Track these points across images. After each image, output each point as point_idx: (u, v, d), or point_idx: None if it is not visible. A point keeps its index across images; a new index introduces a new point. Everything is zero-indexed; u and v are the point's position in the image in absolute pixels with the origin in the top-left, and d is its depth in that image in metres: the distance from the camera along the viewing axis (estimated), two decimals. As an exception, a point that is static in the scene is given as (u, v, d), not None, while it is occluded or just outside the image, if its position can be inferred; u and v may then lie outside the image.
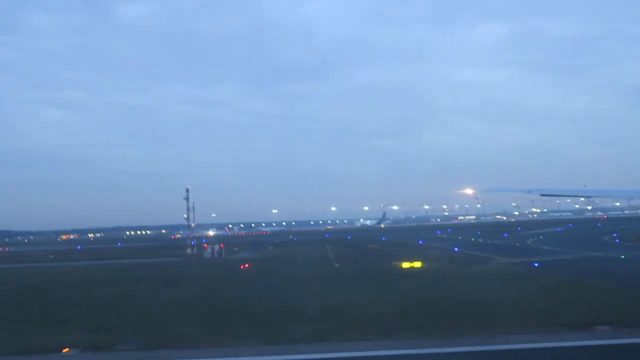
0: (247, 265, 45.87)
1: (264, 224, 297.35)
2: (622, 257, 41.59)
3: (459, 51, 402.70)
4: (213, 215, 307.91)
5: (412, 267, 40.75)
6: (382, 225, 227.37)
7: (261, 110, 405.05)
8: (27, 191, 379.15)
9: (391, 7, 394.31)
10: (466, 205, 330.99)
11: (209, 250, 59.67)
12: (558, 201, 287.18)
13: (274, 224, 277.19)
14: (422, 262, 42.47)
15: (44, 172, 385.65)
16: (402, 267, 40.12)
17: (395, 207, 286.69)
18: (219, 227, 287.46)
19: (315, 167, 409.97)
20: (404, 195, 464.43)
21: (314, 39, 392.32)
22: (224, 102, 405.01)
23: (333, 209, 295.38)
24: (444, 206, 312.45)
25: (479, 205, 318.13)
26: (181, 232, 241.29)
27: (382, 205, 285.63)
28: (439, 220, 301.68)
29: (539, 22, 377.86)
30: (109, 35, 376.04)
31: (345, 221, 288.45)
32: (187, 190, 61.03)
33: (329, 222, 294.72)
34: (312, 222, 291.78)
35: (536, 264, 36.96)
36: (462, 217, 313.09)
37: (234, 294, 26.40)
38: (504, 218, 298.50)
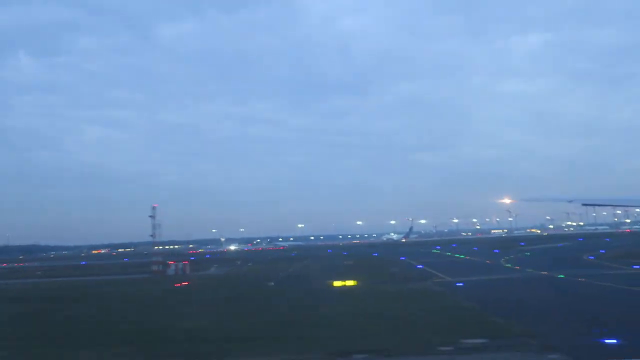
0: (185, 283, 47.03)
1: (291, 239, 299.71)
2: (561, 276, 40.69)
3: (497, 62, 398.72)
4: (241, 230, 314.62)
5: (343, 286, 41.24)
6: (404, 240, 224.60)
7: (299, 126, 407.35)
8: (79, 207, 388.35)
9: (426, 21, 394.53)
10: (497, 219, 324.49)
11: (172, 267, 60.90)
12: (594, 214, 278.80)
13: (291, 239, 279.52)
14: (359, 280, 43.16)
15: (90, 188, 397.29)
16: (333, 286, 40.65)
17: (423, 221, 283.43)
18: (247, 241, 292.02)
19: (351, 182, 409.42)
20: (439, 208, 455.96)
21: (352, 55, 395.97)
22: (264, 119, 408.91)
23: (359, 222, 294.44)
24: (474, 219, 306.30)
25: (510, 219, 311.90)
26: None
27: (410, 219, 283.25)
28: (469, 234, 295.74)
29: (578, 32, 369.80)
30: (151, 55, 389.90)
31: (375, 235, 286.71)
32: (154, 208, 62.41)
33: (357, 236, 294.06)
34: (340, 237, 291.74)
35: (460, 284, 37.53)
36: (494, 231, 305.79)
37: (102, 313, 27.81)
38: (538, 231, 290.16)
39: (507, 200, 35.12)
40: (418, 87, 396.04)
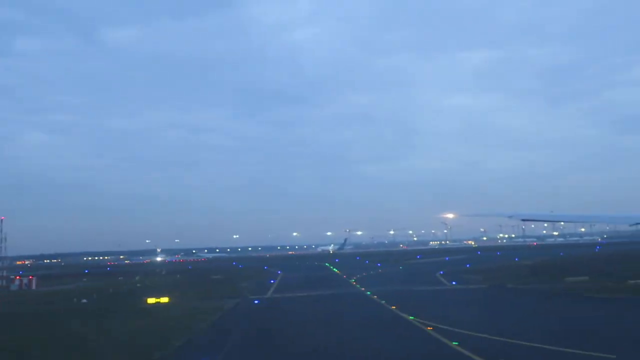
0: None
1: (229, 249, 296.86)
2: (368, 293, 41.79)
3: (444, 78, 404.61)
4: (177, 240, 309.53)
5: (157, 303, 41.14)
6: (331, 251, 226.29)
7: (248, 135, 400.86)
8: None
9: (376, 34, 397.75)
10: (433, 231, 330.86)
11: (17, 282, 59.30)
12: (523, 227, 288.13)
13: (228, 249, 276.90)
14: (180, 295, 43.48)
15: (30, 195, 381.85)
16: (146, 303, 40.55)
17: (359, 233, 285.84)
18: (185, 252, 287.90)
19: (297, 192, 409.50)
20: (384, 220, 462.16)
21: (302, 66, 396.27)
22: (213, 127, 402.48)
23: (295, 234, 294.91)
24: (410, 231, 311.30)
25: (445, 231, 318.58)
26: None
27: (347, 230, 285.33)
28: (404, 246, 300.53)
29: (522, 50, 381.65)
30: (96, 59, 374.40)
31: (314, 246, 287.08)
32: (1, 221, 60.74)
33: (296, 247, 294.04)
34: (279, 247, 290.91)
35: (256, 301, 39.28)
36: (432, 242, 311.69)
37: None
38: (472, 243, 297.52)
39: (450, 215, 35.56)
40: (367, 99, 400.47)
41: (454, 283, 48.99)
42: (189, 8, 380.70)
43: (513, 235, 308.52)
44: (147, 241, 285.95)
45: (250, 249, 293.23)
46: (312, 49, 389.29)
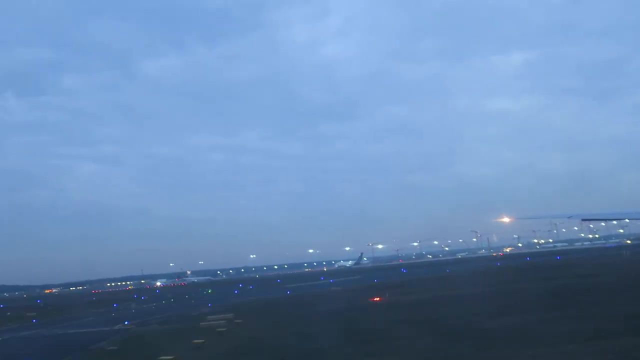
0: None
1: (253, 269, 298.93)
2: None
3: (481, 82, 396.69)
4: (201, 262, 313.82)
5: None
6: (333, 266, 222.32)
7: (287, 153, 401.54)
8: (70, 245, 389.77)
9: (409, 44, 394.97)
10: (460, 240, 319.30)
11: None
12: (555, 231, 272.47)
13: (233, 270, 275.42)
14: None
15: (83, 226, 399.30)
16: None
17: (380, 246, 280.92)
18: (205, 273, 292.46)
19: (338, 207, 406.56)
20: (434, 230, 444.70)
21: (336, 80, 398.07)
22: (253, 148, 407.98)
23: (310, 251, 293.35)
24: (435, 242, 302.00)
25: (474, 239, 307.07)
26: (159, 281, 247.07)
27: (369, 244, 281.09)
28: (430, 256, 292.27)
29: (559, 48, 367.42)
30: (136, 90, 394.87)
31: (333, 262, 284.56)
32: None
33: (314, 263, 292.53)
34: (285, 266, 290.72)
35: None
36: (460, 255, 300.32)
37: None
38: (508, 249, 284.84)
39: (505, 219, 34.74)
40: (405, 110, 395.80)
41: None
42: (220, 33, 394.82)
43: (551, 240, 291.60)
44: (171, 264, 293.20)
45: (265, 268, 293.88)
46: (345, 63, 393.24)
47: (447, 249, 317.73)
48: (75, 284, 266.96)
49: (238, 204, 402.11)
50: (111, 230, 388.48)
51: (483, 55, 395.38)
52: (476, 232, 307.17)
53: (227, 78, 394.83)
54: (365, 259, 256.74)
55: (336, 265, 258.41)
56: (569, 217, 22.52)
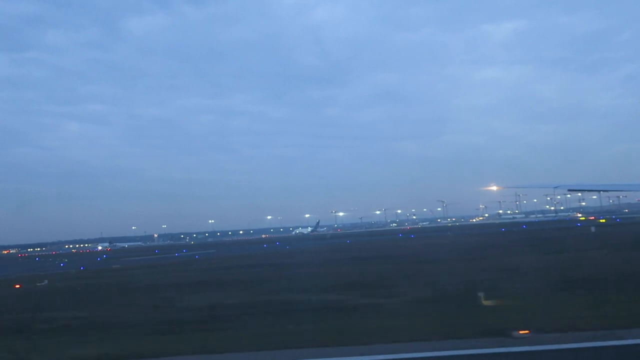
0: None
1: (218, 233, 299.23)
2: None
3: (472, 51, 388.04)
4: (164, 225, 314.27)
5: None
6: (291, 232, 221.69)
7: (276, 117, 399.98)
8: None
9: (400, 9, 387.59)
10: (424, 209, 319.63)
11: None
12: (525, 202, 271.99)
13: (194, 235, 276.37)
14: None
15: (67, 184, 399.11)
16: None
17: (341, 214, 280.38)
18: (172, 237, 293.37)
19: (326, 173, 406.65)
20: (414, 197, 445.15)
21: (325, 45, 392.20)
22: (242, 111, 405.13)
23: (269, 217, 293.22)
24: (399, 210, 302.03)
25: (439, 209, 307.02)
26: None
27: (333, 211, 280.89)
28: (394, 224, 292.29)
29: (551, 18, 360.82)
30: (121, 49, 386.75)
31: (291, 228, 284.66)
32: None
33: (271, 230, 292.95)
34: (251, 231, 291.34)
35: None
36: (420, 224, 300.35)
37: None
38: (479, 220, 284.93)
39: (493, 188, 33.52)
40: (395, 77, 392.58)
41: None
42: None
43: (511, 212, 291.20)
44: (133, 227, 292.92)
45: (230, 233, 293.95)
46: (335, 28, 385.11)
47: (414, 217, 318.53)
48: (34, 245, 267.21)
49: (224, 167, 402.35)
50: (92, 191, 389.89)
51: (474, 24, 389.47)
52: (443, 201, 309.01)
53: (215, 40, 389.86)
54: (323, 227, 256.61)
55: (294, 232, 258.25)
56: (555, 187, 22.61)
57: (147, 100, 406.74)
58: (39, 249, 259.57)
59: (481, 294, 18.41)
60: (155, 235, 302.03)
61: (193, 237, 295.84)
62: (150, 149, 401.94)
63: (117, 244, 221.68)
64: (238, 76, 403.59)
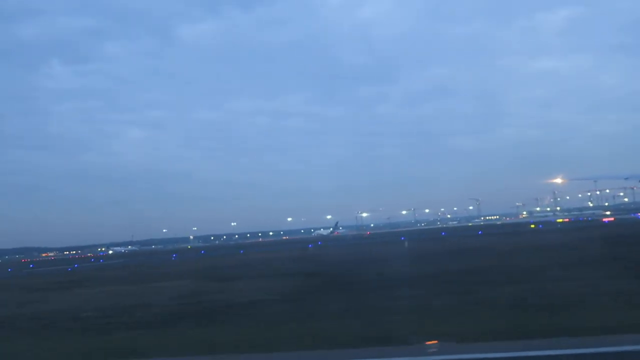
0: None
1: (236, 236, 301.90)
2: None
3: (526, 42, 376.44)
4: (194, 228, 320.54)
5: None
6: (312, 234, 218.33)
7: (328, 116, 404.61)
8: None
9: (449, 2, 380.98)
10: (455, 208, 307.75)
11: None
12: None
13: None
14: None
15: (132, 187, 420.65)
16: None
17: (364, 214, 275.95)
18: (205, 240, 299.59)
19: (381, 171, 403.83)
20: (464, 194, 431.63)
21: (374, 42, 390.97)
22: (294, 112, 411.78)
23: (290, 219, 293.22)
24: (427, 210, 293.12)
25: (471, 207, 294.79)
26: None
27: (359, 212, 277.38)
28: (424, 224, 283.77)
29: (607, 3, 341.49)
30: (175, 56, 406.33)
31: (312, 230, 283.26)
32: None
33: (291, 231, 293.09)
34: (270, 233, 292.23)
35: None
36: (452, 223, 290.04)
37: None
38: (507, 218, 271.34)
39: (559, 180, 35.55)
40: (446, 71, 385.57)
41: None
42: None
43: (558, 209, 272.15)
44: (164, 230, 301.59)
45: (249, 235, 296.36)
46: (382, 25, 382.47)
47: (449, 216, 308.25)
48: (70, 248, 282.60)
49: (278, 167, 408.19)
50: (155, 193, 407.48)
51: (527, 13, 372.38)
52: (477, 200, 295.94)
53: (264, 42, 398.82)
54: (340, 227, 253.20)
55: (315, 233, 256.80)
56: (626, 178, 20.28)
57: (202, 104, 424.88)
58: (74, 252, 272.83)
59: None
60: (191, 237, 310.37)
61: (221, 239, 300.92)
62: (205, 151, 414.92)
63: (114, 248, 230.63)
64: (289, 77, 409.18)
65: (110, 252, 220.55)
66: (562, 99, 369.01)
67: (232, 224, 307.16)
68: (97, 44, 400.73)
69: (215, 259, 72.43)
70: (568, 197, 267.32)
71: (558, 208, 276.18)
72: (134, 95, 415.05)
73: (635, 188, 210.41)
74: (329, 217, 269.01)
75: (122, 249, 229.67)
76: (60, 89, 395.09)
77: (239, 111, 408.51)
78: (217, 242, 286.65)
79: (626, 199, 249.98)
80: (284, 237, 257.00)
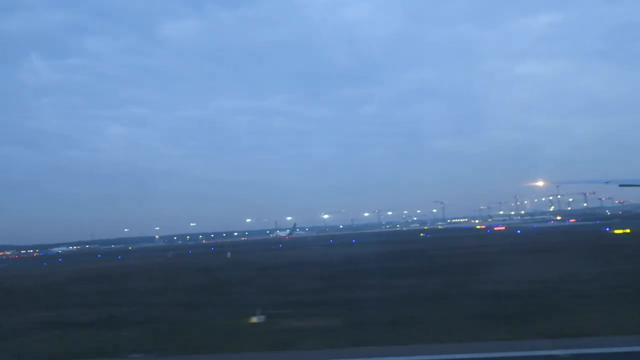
0: None
1: (200, 236, 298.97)
2: None
3: (509, 46, 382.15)
4: (157, 228, 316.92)
5: None
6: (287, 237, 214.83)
7: (312, 116, 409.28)
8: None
9: (433, 6, 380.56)
10: (418, 211, 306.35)
11: None
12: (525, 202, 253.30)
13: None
14: None
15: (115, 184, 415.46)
16: None
17: (326, 216, 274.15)
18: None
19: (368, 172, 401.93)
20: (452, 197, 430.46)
21: (358, 44, 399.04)
22: (278, 111, 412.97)
23: (248, 220, 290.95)
24: (389, 212, 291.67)
25: (434, 210, 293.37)
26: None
27: (323, 214, 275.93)
28: (388, 226, 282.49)
29: (590, 10, 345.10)
30: (158, 54, 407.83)
31: (267, 231, 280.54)
32: None
33: (246, 232, 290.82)
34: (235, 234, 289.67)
35: None
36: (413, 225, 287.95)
37: None
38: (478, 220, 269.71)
39: (540, 183, 34.26)
40: (430, 74, 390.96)
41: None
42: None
43: (524, 212, 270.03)
44: (156, 228, 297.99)
45: (200, 236, 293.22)
46: (366, 26, 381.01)
47: (415, 218, 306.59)
48: (30, 247, 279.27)
49: (263, 166, 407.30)
50: (135, 192, 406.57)
51: (510, 17, 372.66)
52: (441, 203, 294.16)
53: (249, 41, 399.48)
54: (298, 229, 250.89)
55: (271, 235, 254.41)
56: (606, 182, 22.22)
57: (186, 102, 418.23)
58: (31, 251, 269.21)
59: None
60: (157, 237, 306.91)
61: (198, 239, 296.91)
62: (188, 149, 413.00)
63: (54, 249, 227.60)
64: (273, 77, 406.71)
65: (60, 251, 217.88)
66: (544, 103, 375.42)
67: (192, 224, 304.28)
68: (78, 39, 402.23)
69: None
70: (526, 202, 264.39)
71: (522, 212, 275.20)
72: (116, 92, 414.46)
73: (595, 193, 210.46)
74: (289, 218, 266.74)
75: (59, 250, 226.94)
76: (40, 84, 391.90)
77: (224, 109, 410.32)
78: (180, 242, 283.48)
79: (585, 204, 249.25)
80: (242, 239, 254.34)
